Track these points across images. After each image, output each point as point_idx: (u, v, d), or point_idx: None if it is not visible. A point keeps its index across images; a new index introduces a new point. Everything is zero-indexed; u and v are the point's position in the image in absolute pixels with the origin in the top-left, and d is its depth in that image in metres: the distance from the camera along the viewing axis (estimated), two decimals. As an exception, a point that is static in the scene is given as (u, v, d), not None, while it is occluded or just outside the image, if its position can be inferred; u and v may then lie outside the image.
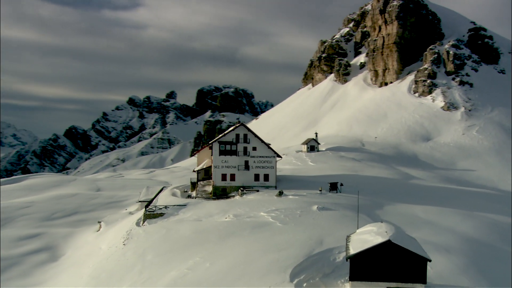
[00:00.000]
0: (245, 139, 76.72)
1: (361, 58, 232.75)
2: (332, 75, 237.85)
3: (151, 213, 64.65)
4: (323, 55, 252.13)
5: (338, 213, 57.75)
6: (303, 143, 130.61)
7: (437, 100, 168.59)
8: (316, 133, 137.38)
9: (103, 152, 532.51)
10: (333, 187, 73.08)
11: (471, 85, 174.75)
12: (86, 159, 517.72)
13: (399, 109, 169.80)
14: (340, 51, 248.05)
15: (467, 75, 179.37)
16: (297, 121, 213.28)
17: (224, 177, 76.33)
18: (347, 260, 34.40)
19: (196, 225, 57.90)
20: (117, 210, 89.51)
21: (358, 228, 40.35)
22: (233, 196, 72.91)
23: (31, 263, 63.67)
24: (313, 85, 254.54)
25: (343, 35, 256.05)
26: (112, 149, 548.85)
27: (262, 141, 77.55)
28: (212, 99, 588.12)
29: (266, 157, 76.92)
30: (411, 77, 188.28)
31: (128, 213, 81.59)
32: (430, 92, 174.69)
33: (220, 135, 78.67)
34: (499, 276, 41.57)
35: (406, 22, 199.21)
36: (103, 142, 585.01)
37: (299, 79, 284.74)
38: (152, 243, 54.64)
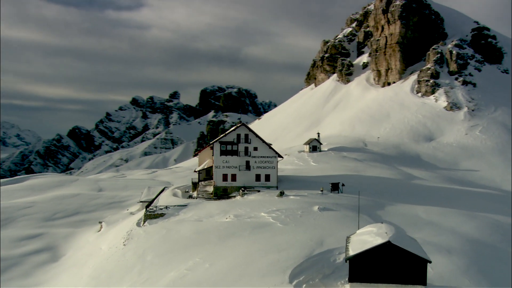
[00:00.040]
0: (246, 139, 76.49)
1: (364, 58, 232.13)
2: (335, 75, 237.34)
3: (152, 214, 64.54)
4: (326, 55, 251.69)
5: (339, 214, 57.47)
6: (305, 143, 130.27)
7: (440, 100, 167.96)
8: (318, 133, 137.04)
9: (107, 152, 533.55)
10: (335, 187, 72.75)
11: (474, 85, 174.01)
12: (89, 159, 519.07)
13: (402, 109, 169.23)
14: (342, 51, 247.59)
15: (470, 75, 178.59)
16: (300, 121, 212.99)
17: (225, 177, 76.16)
18: (346, 261, 34.14)
19: (196, 225, 57.73)
20: (119, 211, 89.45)
21: (358, 229, 40.07)
22: (234, 196, 72.70)
23: (32, 264, 63.72)
24: (315, 85, 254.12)
25: (345, 35, 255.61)
26: (116, 149, 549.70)
27: (263, 141, 77.31)
28: (215, 99, 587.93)
29: (267, 157, 76.68)
30: (414, 77, 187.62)
31: (129, 214, 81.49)
32: (433, 92, 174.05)
33: (221, 135, 78.50)
34: (500, 277, 41.20)
35: (409, 21, 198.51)
36: (107, 142, 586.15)
37: (302, 79, 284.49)
38: (152, 244, 54.50)
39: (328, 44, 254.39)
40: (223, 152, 76.11)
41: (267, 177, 76.42)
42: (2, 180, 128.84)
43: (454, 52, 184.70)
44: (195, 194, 77.70)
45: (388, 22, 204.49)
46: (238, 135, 76.51)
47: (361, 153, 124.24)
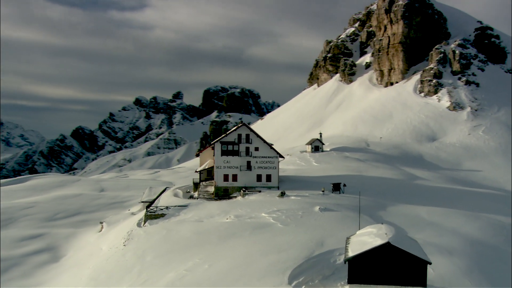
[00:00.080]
0: (247, 139, 76.27)
1: (367, 58, 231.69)
2: (338, 75, 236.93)
3: (152, 214, 64.38)
4: (329, 55, 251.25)
5: (340, 214, 57.16)
6: (307, 144, 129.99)
7: (443, 100, 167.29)
8: (320, 133, 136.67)
9: (110, 152, 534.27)
10: (336, 187, 72.44)
11: (477, 84, 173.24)
12: (93, 160, 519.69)
13: (405, 109, 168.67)
14: (345, 51, 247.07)
15: (473, 74, 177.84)
16: (302, 121, 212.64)
17: (226, 177, 75.98)
18: (345, 263, 33.89)
19: (196, 226, 57.53)
20: (120, 211, 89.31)
21: (359, 230, 39.80)
22: (235, 196, 72.51)
23: (32, 264, 63.58)
24: (318, 85, 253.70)
25: (348, 35, 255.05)
26: (119, 149, 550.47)
27: (265, 141, 77.08)
28: (218, 99, 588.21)
29: (268, 157, 76.44)
30: (416, 77, 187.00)
31: (131, 214, 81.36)
32: (436, 92, 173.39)
33: (222, 135, 78.29)
34: (502, 278, 40.83)
35: (412, 21, 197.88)
36: (110, 143, 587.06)
37: (305, 79, 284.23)
38: (152, 244, 54.33)
39: (331, 44, 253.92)
40: (224, 152, 75.92)
41: (268, 178, 76.20)
42: (5, 180, 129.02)
43: (457, 51, 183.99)
44: (196, 194, 77.53)
45: (391, 22, 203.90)
46: (239, 135, 76.29)
47: (363, 153, 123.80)
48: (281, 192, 68.55)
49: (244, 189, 73.66)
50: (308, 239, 47.21)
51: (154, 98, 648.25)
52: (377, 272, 32.75)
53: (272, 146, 78.17)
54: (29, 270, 61.62)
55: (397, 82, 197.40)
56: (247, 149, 76.30)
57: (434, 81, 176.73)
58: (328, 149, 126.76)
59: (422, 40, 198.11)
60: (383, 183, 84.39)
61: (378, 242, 32.76)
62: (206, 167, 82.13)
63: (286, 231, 51.15)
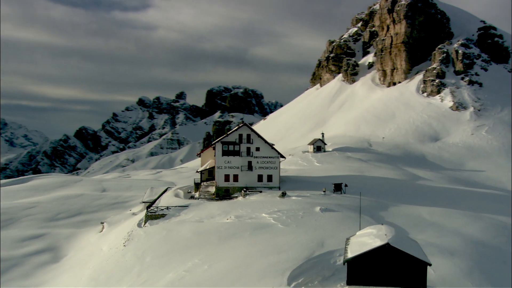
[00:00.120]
0: (248, 140, 76.02)
1: (369, 58, 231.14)
2: (340, 75, 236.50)
3: (153, 214, 64.25)
4: (331, 55, 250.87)
5: (341, 215, 56.84)
6: (310, 144, 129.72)
7: (445, 100, 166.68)
8: (322, 134, 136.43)
9: (113, 152, 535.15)
10: (337, 188, 72.08)
11: (480, 84, 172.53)
12: (96, 160, 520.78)
13: (407, 109, 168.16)
14: (348, 51, 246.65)
15: (476, 74, 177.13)
16: (305, 121, 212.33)
17: (227, 177, 75.76)
18: (344, 264, 33.61)
19: (197, 226, 57.36)
20: (122, 211, 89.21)
21: (360, 230, 39.52)
22: (236, 197, 72.28)
23: (33, 264, 63.60)
24: (321, 85, 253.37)
25: (351, 34, 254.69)
26: (122, 149, 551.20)
27: (266, 142, 76.81)
28: (221, 99, 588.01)
29: (269, 157, 76.17)
30: (419, 77, 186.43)
31: (132, 214, 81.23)
32: (438, 92, 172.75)
33: (223, 135, 78.08)
34: (504, 279, 40.46)
35: (415, 21, 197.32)
36: (113, 143, 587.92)
37: (308, 79, 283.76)
38: (152, 244, 54.22)
39: (334, 44, 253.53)
40: (225, 153, 75.70)
41: (269, 178, 75.92)
42: (7, 180, 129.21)
43: (460, 51, 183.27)
44: (197, 194, 77.35)
45: (394, 21, 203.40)
46: (240, 135, 76.05)
47: (365, 154, 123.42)
48: (282, 193, 68.30)
49: (245, 189, 73.45)
50: (308, 239, 46.97)
51: (157, 98, 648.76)
52: (377, 273, 32.47)
53: (273, 146, 77.89)
54: (29, 270, 61.63)
55: (399, 82, 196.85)
56: (248, 149, 76.06)
57: (437, 81, 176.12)
58: (330, 149, 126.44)
59: (425, 40, 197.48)
60: (385, 184, 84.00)
61: (377, 243, 32.47)
62: (207, 167, 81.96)
63: (286, 231, 50.92)
